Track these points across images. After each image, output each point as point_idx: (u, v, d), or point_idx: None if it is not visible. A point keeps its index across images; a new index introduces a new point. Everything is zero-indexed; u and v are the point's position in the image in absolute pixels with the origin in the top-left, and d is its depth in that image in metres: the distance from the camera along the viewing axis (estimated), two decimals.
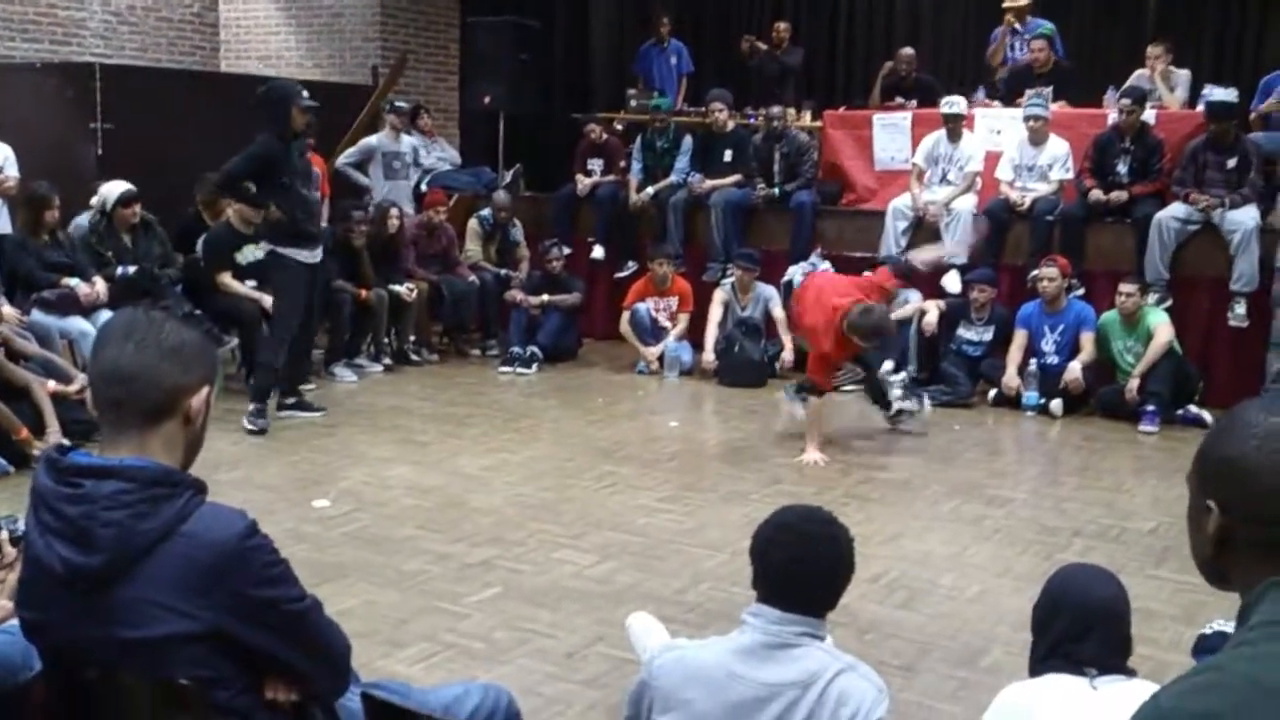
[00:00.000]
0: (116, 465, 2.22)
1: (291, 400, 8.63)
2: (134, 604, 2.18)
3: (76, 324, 8.43)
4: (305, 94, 8.19)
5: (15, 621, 2.46)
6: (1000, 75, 11.73)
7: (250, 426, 8.10)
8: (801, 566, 2.82)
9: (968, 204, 10.39)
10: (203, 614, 2.19)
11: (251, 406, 8.20)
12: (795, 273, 10.63)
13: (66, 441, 2.62)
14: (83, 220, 9.11)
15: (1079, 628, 2.89)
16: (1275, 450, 1.61)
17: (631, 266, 11.62)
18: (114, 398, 2.28)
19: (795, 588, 2.83)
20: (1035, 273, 9.49)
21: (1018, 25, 11.73)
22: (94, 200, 9.07)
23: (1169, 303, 9.45)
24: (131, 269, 8.94)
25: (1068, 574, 3.13)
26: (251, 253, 9.28)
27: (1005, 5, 11.77)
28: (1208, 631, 3.51)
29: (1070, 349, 9.27)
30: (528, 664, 4.57)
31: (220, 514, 2.26)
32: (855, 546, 2.96)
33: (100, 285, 8.62)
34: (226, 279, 9.28)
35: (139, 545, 2.18)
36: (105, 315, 8.35)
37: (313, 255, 8.31)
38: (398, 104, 11.96)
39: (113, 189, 9.04)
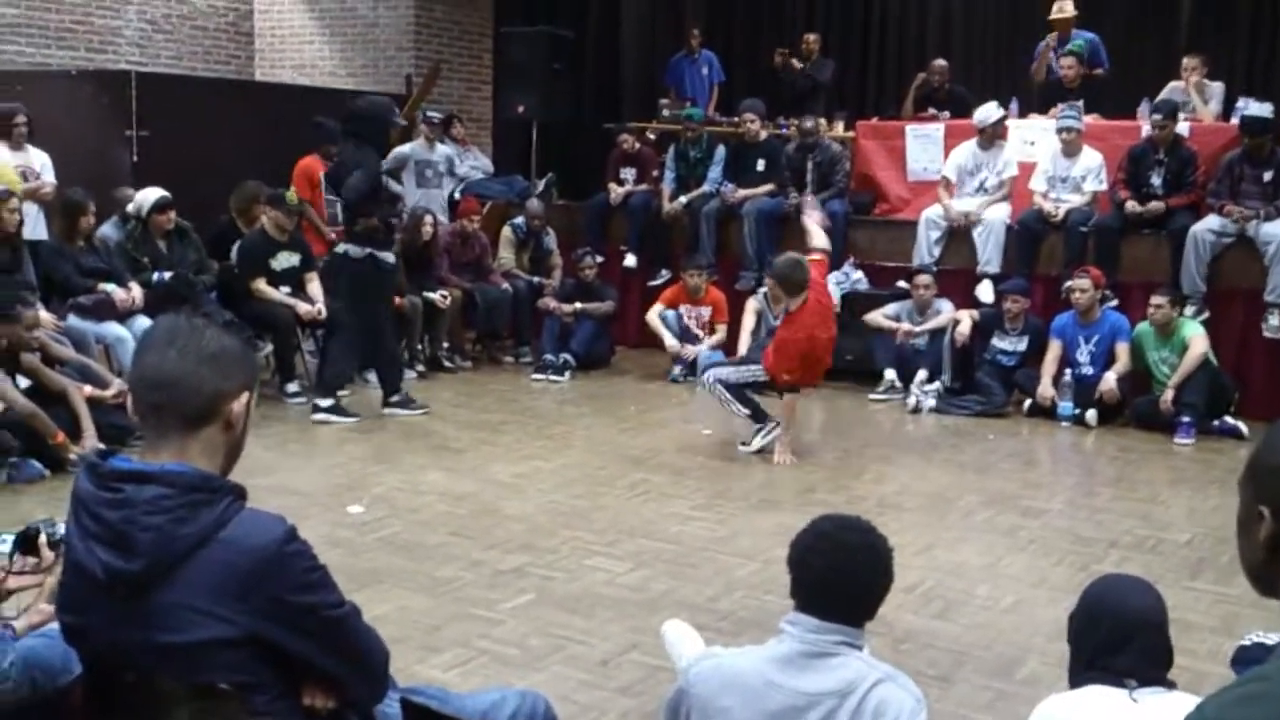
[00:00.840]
0: (157, 470, 2.23)
1: (396, 398, 8.97)
2: (172, 609, 2.19)
3: (112, 329, 8.48)
4: (397, 111, 8.89)
5: (55, 625, 2.48)
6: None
7: (416, 413, 8.87)
8: (839, 575, 2.81)
9: (1001, 213, 10.36)
10: (241, 619, 2.19)
11: (395, 398, 8.93)
12: (829, 283, 10.59)
13: (102, 446, 2.62)
14: (108, 229, 9.16)
15: (1117, 638, 2.87)
16: None
17: (665, 275, 11.62)
18: (155, 403, 2.29)
19: (833, 597, 2.82)
20: (1068, 284, 9.46)
21: (1055, 45, 11.63)
22: (130, 207, 9.13)
23: (1206, 314, 9.40)
24: (167, 275, 8.98)
25: (1105, 584, 3.11)
26: (286, 259, 9.36)
27: (1051, 18, 11.68)
28: (1247, 643, 3.48)
29: (1105, 359, 9.21)
30: (562, 671, 4.56)
31: (260, 520, 2.26)
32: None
33: (136, 291, 8.68)
34: (261, 285, 9.33)
35: (178, 550, 2.18)
36: (141, 321, 8.44)
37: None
38: (430, 113, 12.00)
39: (148, 195, 9.09)
